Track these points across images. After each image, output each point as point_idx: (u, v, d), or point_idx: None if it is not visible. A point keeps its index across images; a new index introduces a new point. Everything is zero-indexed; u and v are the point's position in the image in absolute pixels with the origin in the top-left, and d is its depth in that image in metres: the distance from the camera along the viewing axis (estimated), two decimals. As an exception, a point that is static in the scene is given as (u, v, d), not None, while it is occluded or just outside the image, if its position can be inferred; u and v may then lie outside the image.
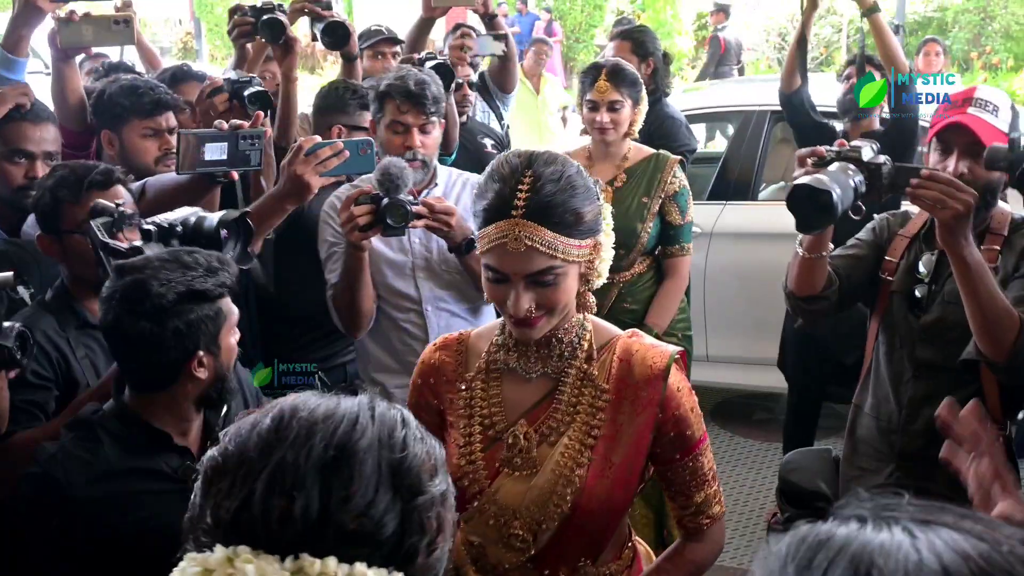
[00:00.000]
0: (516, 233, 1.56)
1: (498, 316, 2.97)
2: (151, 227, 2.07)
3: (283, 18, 3.15)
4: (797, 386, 4.24)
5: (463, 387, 1.79)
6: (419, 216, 2.57)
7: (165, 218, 2.11)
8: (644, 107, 3.42)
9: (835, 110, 4.20)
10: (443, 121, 2.89)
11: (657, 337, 2.69)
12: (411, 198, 2.57)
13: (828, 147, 2.20)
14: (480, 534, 1.76)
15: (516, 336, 1.72)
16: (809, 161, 2.19)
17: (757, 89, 6.07)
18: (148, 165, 2.90)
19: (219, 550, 0.86)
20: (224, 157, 2.43)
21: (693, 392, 1.76)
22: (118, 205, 2.14)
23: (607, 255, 1.71)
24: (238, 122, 2.54)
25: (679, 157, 3.50)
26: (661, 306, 3.41)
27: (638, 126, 3.43)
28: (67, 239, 2.27)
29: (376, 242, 2.77)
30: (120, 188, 2.30)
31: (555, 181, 1.59)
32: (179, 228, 2.09)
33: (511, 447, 1.71)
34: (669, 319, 3.44)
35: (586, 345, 1.73)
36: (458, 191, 2.88)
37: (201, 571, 0.86)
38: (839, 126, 4.12)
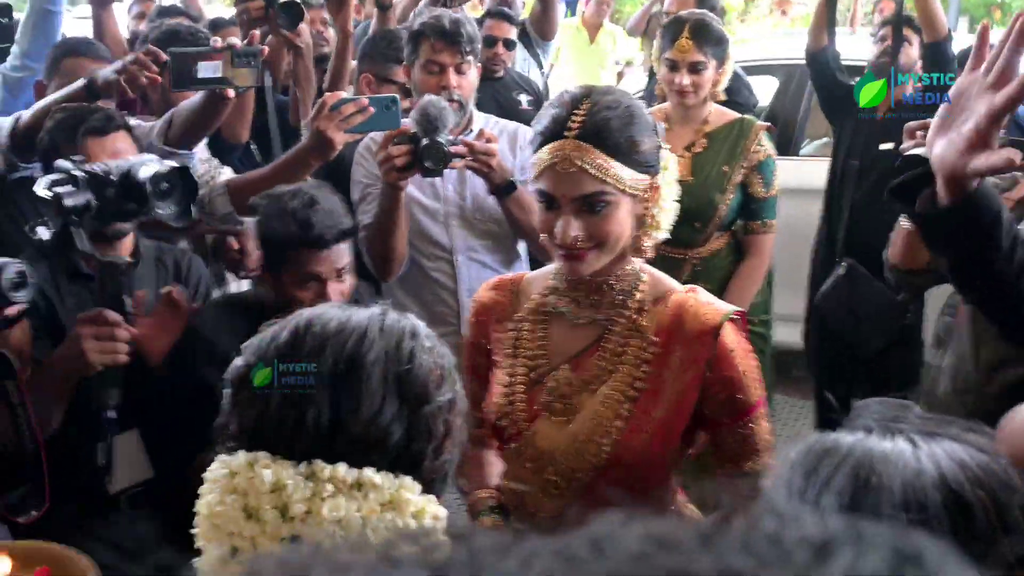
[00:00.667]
0: (567, 153, 1.55)
1: (532, 269, 2.99)
2: (80, 173, 1.96)
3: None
4: (823, 382, 4.08)
5: (511, 327, 1.77)
6: (458, 156, 2.53)
7: (101, 166, 2.00)
8: (730, 66, 3.12)
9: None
10: (479, 64, 2.84)
11: None
12: (450, 138, 2.52)
13: None
14: (518, 478, 1.75)
15: (565, 272, 1.69)
16: (918, 134, 2.15)
17: (802, 43, 5.96)
18: None
19: (242, 455, 0.93)
20: (219, 75, 2.37)
21: (752, 355, 1.69)
22: (81, 162, 2.02)
23: (668, 206, 1.67)
24: (233, 40, 2.48)
25: (767, 124, 3.25)
26: (739, 288, 3.06)
27: (722, 87, 3.13)
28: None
29: (410, 188, 2.73)
30: (121, 134, 2.24)
31: (612, 107, 1.57)
32: (112, 177, 1.97)
33: (552, 391, 1.69)
34: (747, 303, 3.03)
35: (639, 295, 1.69)
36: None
37: (228, 473, 0.93)
38: None
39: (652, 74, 4.16)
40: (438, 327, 3.07)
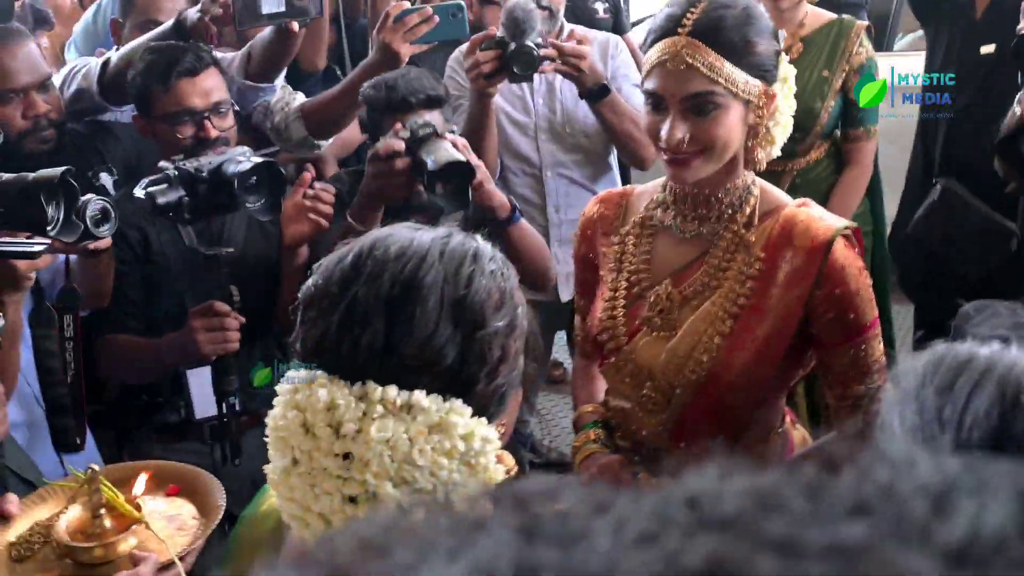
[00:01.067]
0: (678, 50, 1.50)
1: (623, 184, 2.93)
2: (172, 172, 2.05)
3: None
4: (922, 304, 3.85)
5: (616, 240, 1.74)
6: (548, 59, 2.45)
7: (193, 163, 2.08)
8: None
9: None
10: None
11: None
12: (539, 41, 2.44)
13: None
14: (618, 394, 1.74)
15: (670, 179, 1.64)
16: None
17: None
18: None
19: (303, 372, 0.97)
20: (282, 9, 2.35)
21: (865, 274, 1.62)
22: (181, 159, 2.11)
23: (784, 120, 1.60)
24: None
25: (866, 23, 3.01)
26: (841, 199, 2.93)
27: None
28: (155, 125, 2.28)
29: (499, 101, 2.69)
30: (211, 71, 2.28)
31: (729, 6, 1.51)
32: (204, 174, 2.05)
33: (653, 306, 1.67)
34: (849, 213, 2.91)
35: (748, 210, 1.63)
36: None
37: (292, 388, 0.98)
38: None
39: None
40: None
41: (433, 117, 2.21)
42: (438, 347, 0.96)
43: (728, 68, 1.50)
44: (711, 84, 1.50)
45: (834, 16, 2.98)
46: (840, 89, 2.91)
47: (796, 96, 2.55)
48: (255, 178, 2.07)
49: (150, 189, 2.04)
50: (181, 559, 1.52)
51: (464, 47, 2.62)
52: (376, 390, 0.95)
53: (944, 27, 3.56)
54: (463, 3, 2.48)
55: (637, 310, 1.69)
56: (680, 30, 1.50)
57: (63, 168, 1.73)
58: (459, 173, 2.10)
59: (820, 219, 1.62)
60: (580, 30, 2.78)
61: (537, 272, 2.47)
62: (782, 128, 1.61)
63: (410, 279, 0.97)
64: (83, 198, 1.88)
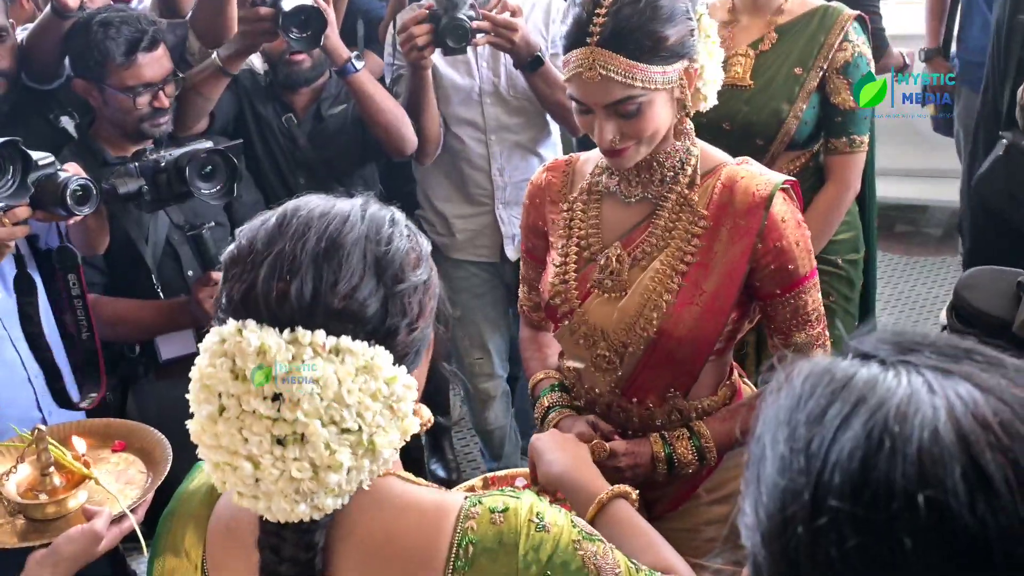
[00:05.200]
0: (591, 62, 1.52)
1: (564, 144, 2.90)
2: (133, 164, 2.24)
3: None
4: (974, 259, 3.59)
5: (565, 207, 1.77)
6: (482, 32, 2.48)
7: (155, 156, 2.26)
8: None
9: None
10: None
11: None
12: (471, 14, 2.48)
13: None
14: (573, 355, 1.77)
15: (611, 165, 1.69)
16: None
17: None
18: None
19: (231, 323, 1.01)
20: None
21: (803, 226, 1.67)
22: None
23: (711, 76, 1.62)
24: None
25: (856, 12, 2.48)
26: (816, 222, 2.32)
27: None
28: (108, 93, 2.39)
29: (443, 67, 2.73)
30: (162, 45, 2.45)
31: (634, 3, 1.51)
32: (163, 164, 2.23)
33: (603, 268, 1.70)
34: (825, 239, 2.51)
35: (689, 171, 1.67)
36: (527, 11, 2.75)
37: (218, 340, 1.01)
38: None
39: None
40: (473, 207, 3.14)
41: None
42: (362, 298, 1.02)
43: (642, 70, 1.52)
44: (629, 89, 1.53)
45: (819, 3, 2.50)
46: (817, 90, 2.45)
47: (759, 95, 2.44)
48: (210, 167, 2.25)
49: (112, 180, 2.18)
50: (132, 511, 1.55)
51: (403, 12, 2.66)
52: (306, 334, 0.99)
53: None
54: None
55: (588, 273, 1.72)
56: (589, 39, 1.51)
57: (4, 140, 1.81)
58: (314, 19, 2.42)
59: (760, 175, 1.65)
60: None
61: (387, 125, 2.64)
62: (712, 83, 1.63)
63: (335, 235, 1.04)
64: (63, 176, 1.98)
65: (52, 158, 2.02)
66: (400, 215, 1.12)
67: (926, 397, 0.62)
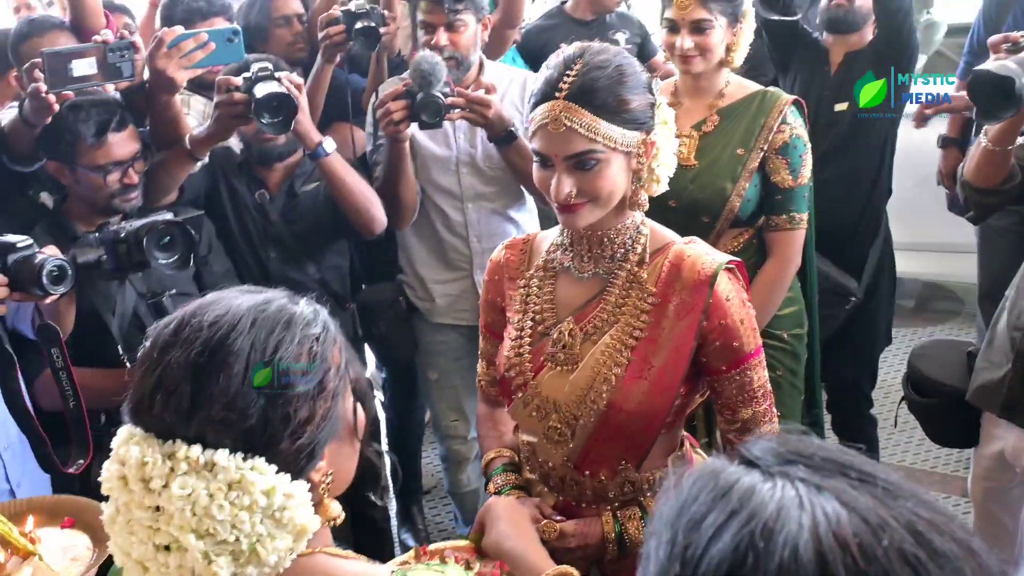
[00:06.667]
0: (556, 114, 1.60)
1: (539, 208, 3.00)
2: (94, 235, 2.35)
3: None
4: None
5: (522, 283, 1.83)
6: (456, 107, 2.61)
7: (116, 227, 2.33)
8: (749, 25, 2.60)
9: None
10: (487, 16, 2.88)
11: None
12: (447, 90, 2.61)
13: None
14: (525, 428, 1.82)
15: (562, 223, 1.75)
16: (1003, 47, 2.05)
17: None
18: None
19: (124, 429, 1.07)
20: (94, 72, 2.43)
21: (748, 305, 1.73)
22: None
23: (666, 159, 1.70)
24: (106, 34, 2.52)
25: (793, 97, 2.63)
26: (759, 296, 2.34)
27: (740, 53, 2.60)
28: (80, 172, 2.47)
29: (422, 137, 2.85)
30: (131, 127, 2.52)
31: (602, 67, 1.62)
32: (123, 235, 2.30)
33: (556, 342, 1.75)
34: (769, 314, 2.58)
35: (639, 248, 1.74)
36: (504, 86, 2.89)
37: (121, 442, 1.07)
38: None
39: None
40: (451, 272, 3.23)
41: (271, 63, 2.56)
42: (241, 408, 1.04)
43: (605, 126, 1.61)
44: (590, 143, 1.61)
45: (758, 88, 2.66)
46: (758, 169, 2.56)
47: (705, 174, 2.56)
48: (168, 238, 2.33)
49: (73, 250, 2.25)
50: (74, 588, 1.58)
51: (383, 87, 2.82)
52: (181, 448, 1.04)
53: (801, 76, 3.40)
54: (239, 28, 2.62)
55: (542, 347, 1.77)
56: (557, 94, 1.61)
57: None
58: (286, 104, 2.51)
59: (706, 254, 1.73)
60: (499, 75, 2.91)
61: (357, 206, 2.74)
62: (666, 167, 1.71)
63: (218, 346, 1.06)
64: (39, 258, 2.07)
65: (30, 241, 2.10)
66: (302, 314, 1.13)
67: (794, 513, 0.63)
